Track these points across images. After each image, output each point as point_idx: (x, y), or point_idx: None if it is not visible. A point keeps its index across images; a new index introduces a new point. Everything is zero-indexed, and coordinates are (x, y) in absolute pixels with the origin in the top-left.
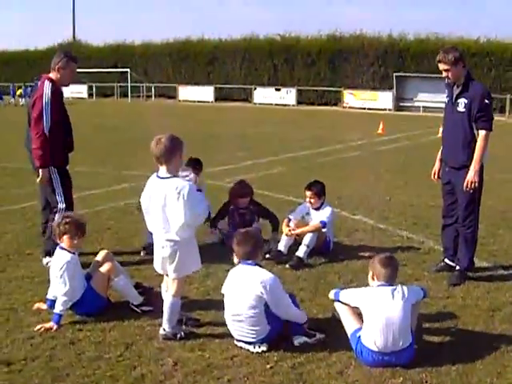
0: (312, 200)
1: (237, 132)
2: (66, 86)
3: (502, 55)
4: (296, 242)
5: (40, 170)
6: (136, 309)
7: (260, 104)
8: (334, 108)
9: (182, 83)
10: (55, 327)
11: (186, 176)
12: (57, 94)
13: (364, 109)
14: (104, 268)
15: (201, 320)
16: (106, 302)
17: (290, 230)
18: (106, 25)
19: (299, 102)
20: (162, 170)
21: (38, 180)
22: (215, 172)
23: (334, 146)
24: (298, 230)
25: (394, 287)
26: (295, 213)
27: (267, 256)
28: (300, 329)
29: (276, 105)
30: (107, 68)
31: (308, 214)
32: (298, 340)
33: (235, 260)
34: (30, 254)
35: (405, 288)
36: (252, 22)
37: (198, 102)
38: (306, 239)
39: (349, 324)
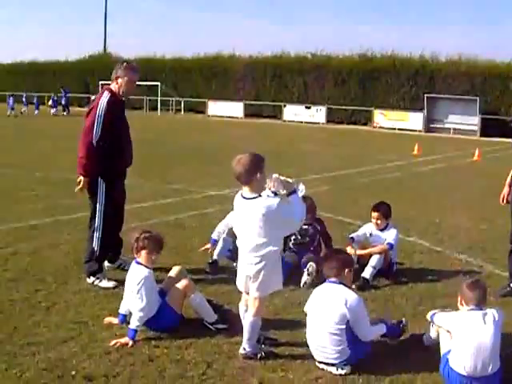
0: (379, 221)
1: (272, 148)
2: (127, 96)
3: None
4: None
5: (82, 178)
6: (210, 326)
7: (289, 121)
8: (364, 127)
9: (212, 98)
10: (131, 343)
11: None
12: (113, 104)
13: (394, 129)
14: (181, 284)
15: (278, 339)
16: (180, 318)
17: (355, 251)
18: (137, 38)
19: (329, 121)
20: (246, 190)
21: (76, 189)
22: None
23: (372, 165)
24: (365, 251)
25: (485, 311)
26: (358, 233)
27: None
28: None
29: (306, 122)
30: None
31: (371, 234)
32: None
33: (303, 279)
34: None
35: (494, 311)
36: (279, 39)
37: (228, 117)
38: (373, 261)
39: (442, 346)
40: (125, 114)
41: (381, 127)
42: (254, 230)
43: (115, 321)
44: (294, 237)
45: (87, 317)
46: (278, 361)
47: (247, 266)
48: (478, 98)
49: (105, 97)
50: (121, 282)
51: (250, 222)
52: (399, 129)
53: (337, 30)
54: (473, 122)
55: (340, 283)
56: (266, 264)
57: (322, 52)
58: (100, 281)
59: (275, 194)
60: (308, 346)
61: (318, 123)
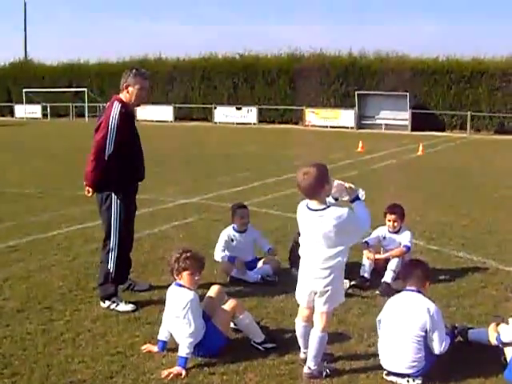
0: (395, 223)
1: (219, 152)
2: (138, 106)
3: (462, 73)
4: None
5: (88, 188)
6: (259, 346)
7: (220, 123)
8: (296, 127)
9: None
10: (184, 372)
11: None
12: (126, 116)
13: (326, 127)
14: (229, 305)
15: (333, 354)
16: (228, 341)
17: (374, 256)
18: (59, 44)
19: (260, 121)
20: (313, 203)
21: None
22: (229, 194)
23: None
24: (383, 255)
25: None
26: (372, 237)
27: (352, 283)
28: None
29: (237, 124)
30: (62, 87)
31: (385, 238)
32: None
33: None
34: (96, 289)
35: None
36: (210, 40)
37: (157, 121)
38: (393, 264)
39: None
40: (135, 124)
41: (313, 125)
42: (324, 241)
43: (155, 348)
44: None
45: (121, 346)
46: (342, 377)
47: (314, 281)
48: (407, 94)
49: (116, 108)
50: (134, 303)
51: (319, 234)
52: (331, 126)
53: (265, 30)
54: (404, 117)
55: (419, 292)
56: (335, 277)
57: (250, 52)
58: (117, 305)
59: (336, 199)
60: (364, 359)
61: (250, 124)
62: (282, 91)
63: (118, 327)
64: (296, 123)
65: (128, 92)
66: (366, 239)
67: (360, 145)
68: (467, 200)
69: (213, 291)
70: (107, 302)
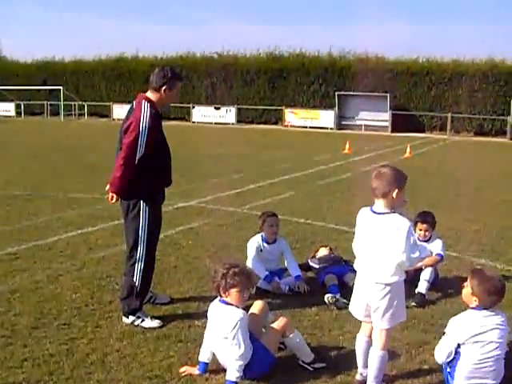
0: (427, 233)
1: (205, 153)
2: (164, 107)
3: (442, 74)
4: None
5: (113, 195)
6: (308, 366)
7: (199, 123)
8: (275, 127)
9: (117, 101)
10: None
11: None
12: (156, 117)
13: (306, 127)
14: (279, 324)
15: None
16: (276, 361)
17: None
18: (33, 42)
19: (239, 121)
20: (379, 205)
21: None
22: (227, 197)
23: (317, 167)
24: (418, 265)
25: None
26: None
27: None
28: None
29: (216, 123)
30: (36, 85)
31: None
32: None
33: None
34: (113, 302)
35: None
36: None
37: None
38: (426, 274)
39: None
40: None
41: (292, 126)
42: (382, 250)
43: (195, 371)
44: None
45: (157, 369)
46: None
47: (369, 295)
48: (388, 95)
49: (146, 109)
50: (159, 318)
51: (378, 241)
52: (311, 127)
53: (242, 30)
54: (384, 117)
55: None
56: (392, 292)
57: (228, 52)
58: (142, 320)
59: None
60: (418, 377)
61: (228, 124)
62: (261, 91)
63: (149, 346)
64: (275, 123)
65: (161, 92)
66: None
67: (347, 146)
68: (470, 205)
69: (256, 307)
70: (131, 318)
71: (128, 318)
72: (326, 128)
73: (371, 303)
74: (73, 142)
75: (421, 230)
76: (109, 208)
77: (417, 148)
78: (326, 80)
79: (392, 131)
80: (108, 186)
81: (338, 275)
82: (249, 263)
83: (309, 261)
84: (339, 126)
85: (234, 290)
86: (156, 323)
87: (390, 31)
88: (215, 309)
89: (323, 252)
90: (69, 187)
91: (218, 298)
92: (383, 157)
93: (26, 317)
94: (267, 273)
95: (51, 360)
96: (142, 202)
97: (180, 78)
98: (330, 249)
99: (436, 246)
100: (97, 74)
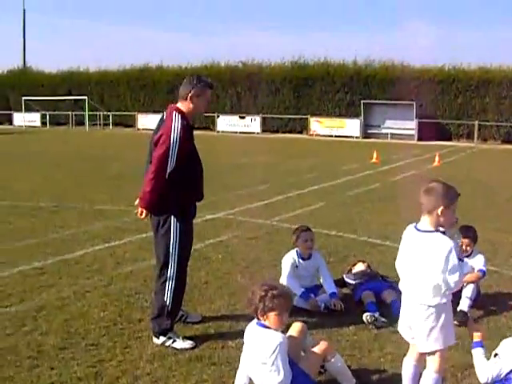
0: (468, 248)
1: (229, 162)
2: (195, 116)
3: (468, 82)
4: None
5: (143, 210)
6: None
7: (223, 132)
8: (301, 136)
9: (141, 111)
10: None
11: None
12: (188, 129)
13: (331, 136)
14: (320, 348)
15: None
16: None
17: None
18: (58, 52)
19: (264, 130)
20: (423, 222)
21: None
22: (256, 209)
23: (345, 177)
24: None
25: None
26: None
27: None
28: None
29: (240, 133)
30: (61, 95)
31: None
32: None
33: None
34: (142, 320)
35: None
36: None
37: None
38: (468, 291)
39: None
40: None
41: (318, 135)
42: (423, 269)
43: None
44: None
45: None
46: None
47: (411, 316)
48: (414, 103)
49: (177, 120)
50: (191, 339)
51: (419, 259)
52: (336, 136)
53: (266, 39)
54: (410, 126)
55: None
56: (435, 314)
57: (253, 61)
58: (173, 341)
59: None
60: None
61: (253, 133)
62: (285, 100)
63: (181, 369)
64: (300, 132)
65: (192, 102)
66: None
67: (374, 155)
68: (504, 215)
69: (295, 330)
70: (162, 338)
71: (159, 338)
72: (352, 137)
73: (415, 324)
74: (97, 152)
75: (462, 245)
76: (135, 221)
77: (445, 157)
78: (352, 88)
79: (418, 140)
80: (137, 201)
81: (375, 292)
82: (283, 280)
83: (344, 276)
84: (365, 135)
85: (272, 314)
86: (188, 344)
87: (414, 38)
88: (252, 332)
89: (360, 267)
90: (94, 198)
91: (256, 320)
92: (412, 166)
93: (52, 336)
94: (303, 290)
95: None
96: (172, 217)
97: (208, 84)
98: (368, 265)
99: (478, 262)
100: (122, 83)
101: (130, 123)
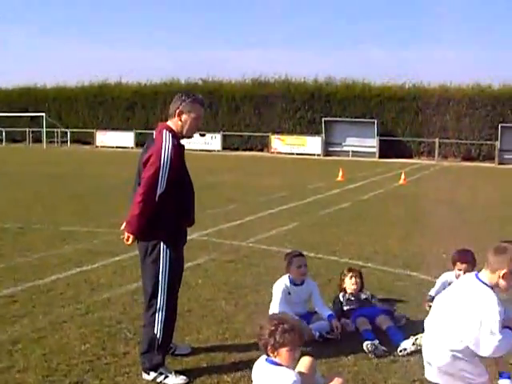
0: (466, 273)
1: (194, 180)
2: (190, 137)
3: (429, 100)
4: None
5: (130, 236)
6: None
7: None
8: (262, 153)
9: (100, 128)
10: None
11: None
12: (179, 148)
13: (292, 154)
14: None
15: None
16: None
17: None
18: (14, 68)
19: (224, 148)
20: (484, 274)
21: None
22: (228, 230)
23: (314, 196)
24: None
25: None
26: (437, 288)
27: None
28: None
29: (201, 150)
30: (17, 112)
31: (450, 284)
32: None
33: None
34: (128, 353)
35: None
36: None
37: (118, 147)
38: None
39: None
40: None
41: (279, 152)
42: (456, 318)
43: None
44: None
45: None
46: None
47: (436, 359)
48: (375, 120)
49: (168, 139)
50: (183, 374)
51: (456, 307)
52: (297, 153)
53: (226, 55)
54: (371, 143)
55: None
56: (457, 360)
57: (213, 78)
58: (165, 377)
59: None
60: None
61: (214, 150)
62: (246, 117)
63: None
64: (261, 150)
65: (181, 120)
66: (432, 293)
67: (340, 173)
68: (490, 236)
69: (304, 365)
70: (152, 374)
71: (149, 374)
72: (313, 154)
73: (431, 362)
74: (57, 170)
75: (460, 269)
76: (105, 243)
77: (409, 174)
78: (313, 106)
79: (380, 157)
80: (123, 225)
81: (369, 318)
82: (275, 308)
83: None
84: (326, 153)
85: (284, 350)
86: (181, 380)
87: (374, 57)
88: (262, 370)
89: (349, 285)
90: (60, 219)
91: (264, 356)
92: (378, 184)
93: (32, 374)
94: (297, 318)
95: None
96: (162, 243)
97: (198, 100)
98: (358, 275)
99: None
100: (80, 100)
101: (88, 140)
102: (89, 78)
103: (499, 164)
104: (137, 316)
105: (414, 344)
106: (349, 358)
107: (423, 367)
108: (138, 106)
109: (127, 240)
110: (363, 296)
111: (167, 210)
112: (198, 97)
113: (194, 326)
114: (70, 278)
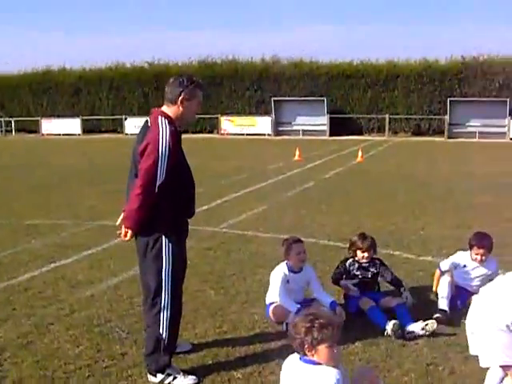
0: (483, 257)
1: None
2: (187, 124)
3: (377, 76)
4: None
5: (128, 231)
6: None
7: (132, 134)
8: (212, 135)
9: (45, 116)
10: None
11: None
12: (177, 137)
13: (243, 135)
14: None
15: None
16: None
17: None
18: None
19: None
20: None
21: (123, 239)
22: (199, 215)
23: (276, 177)
24: None
25: None
26: (448, 262)
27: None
28: None
29: None
30: None
31: (465, 266)
32: None
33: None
34: (126, 354)
35: None
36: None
37: (64, 135)
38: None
39: None
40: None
41: (229, 134)
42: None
43: None
44: (359, 273)
45: None
46: None
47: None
48: (324, 99)
49: (165, 127)
50: (187, 372)
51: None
52: (248, 134)
53: (171, 37)
54: (321, 122)
55: None
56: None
57: (159, 61)
58: (174, 378)
59: None
60: None
61: None
62: None
63: None
64: (211, 132)
65: (182, 106)
66: (440, 264)
67: (297, 153)
68: (453, 209)
69: (365, 377)
70: (160, 376)
71: (156, 376)
72: (264, 134)
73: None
74: (6, 160)
75: (477, 254)
76: (74, 235)
77: (364, 151)
78: (261, 86)
79: (330, 135)
80: (120, 220)
81: (373, 300)
82: (273, 296)
83: (341, 282)
84: (277, 132)
85: (323, 346)
86: (191, 380)
87: (321, 35)
88: (297, 371)
89: (360, 254)
90: (22, 212)
91: (296, 355)
92: (336, 162)
93: None
94: (298, 306)
95: None
96: (164, 237)
97: (200, 85)
98: (372, 244)
99: (491, 268)
100: (23, 88)
101: (33, 129)
102: (31, 64)
103: (448, 138)
104: (125, 313)
105: (423, 329)
106: (356, 344)
107: (433, 350)
108: (83, 91)
109: (125, 236)
110: (372, 270)
111: (167, 200)
112: (198, 81)
113: (188, 321)
114: (46, 276)
